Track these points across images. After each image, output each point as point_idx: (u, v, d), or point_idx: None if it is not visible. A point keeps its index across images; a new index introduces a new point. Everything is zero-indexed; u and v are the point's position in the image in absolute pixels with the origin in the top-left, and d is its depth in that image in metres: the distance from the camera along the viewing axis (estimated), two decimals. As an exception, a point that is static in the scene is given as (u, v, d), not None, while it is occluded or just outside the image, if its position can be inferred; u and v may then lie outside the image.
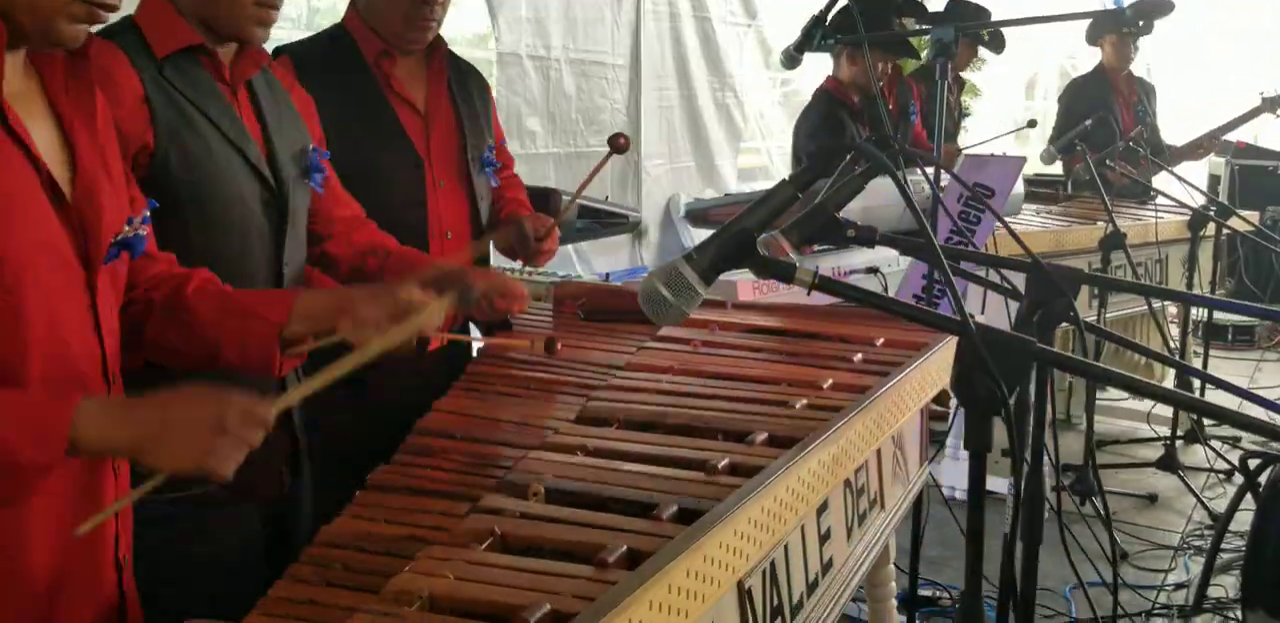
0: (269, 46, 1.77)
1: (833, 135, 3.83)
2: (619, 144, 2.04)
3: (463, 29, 5.06)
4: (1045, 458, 1.75)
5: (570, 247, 4.23)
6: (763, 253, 1.18)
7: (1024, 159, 2.91)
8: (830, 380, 1.83)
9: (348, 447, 1.78)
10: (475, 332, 2.40)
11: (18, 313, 1.10)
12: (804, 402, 1.72)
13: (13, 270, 1.09)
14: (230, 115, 1.63)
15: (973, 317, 1.12)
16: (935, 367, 1.97)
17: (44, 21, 1.10)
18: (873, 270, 3.13)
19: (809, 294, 1.19)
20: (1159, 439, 4.05)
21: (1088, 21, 4.97)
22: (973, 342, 1.07)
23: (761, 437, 1.55)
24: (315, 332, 1.40)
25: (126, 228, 1.24)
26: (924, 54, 4.64)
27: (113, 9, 1.15)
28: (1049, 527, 1.75)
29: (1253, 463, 2.65)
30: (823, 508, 1.62)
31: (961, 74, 5.54)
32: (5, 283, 1.08)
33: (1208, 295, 3.99)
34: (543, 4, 4.66)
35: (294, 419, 1.75)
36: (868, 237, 1.50)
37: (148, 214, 1.31)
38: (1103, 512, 2.28)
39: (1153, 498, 3.76)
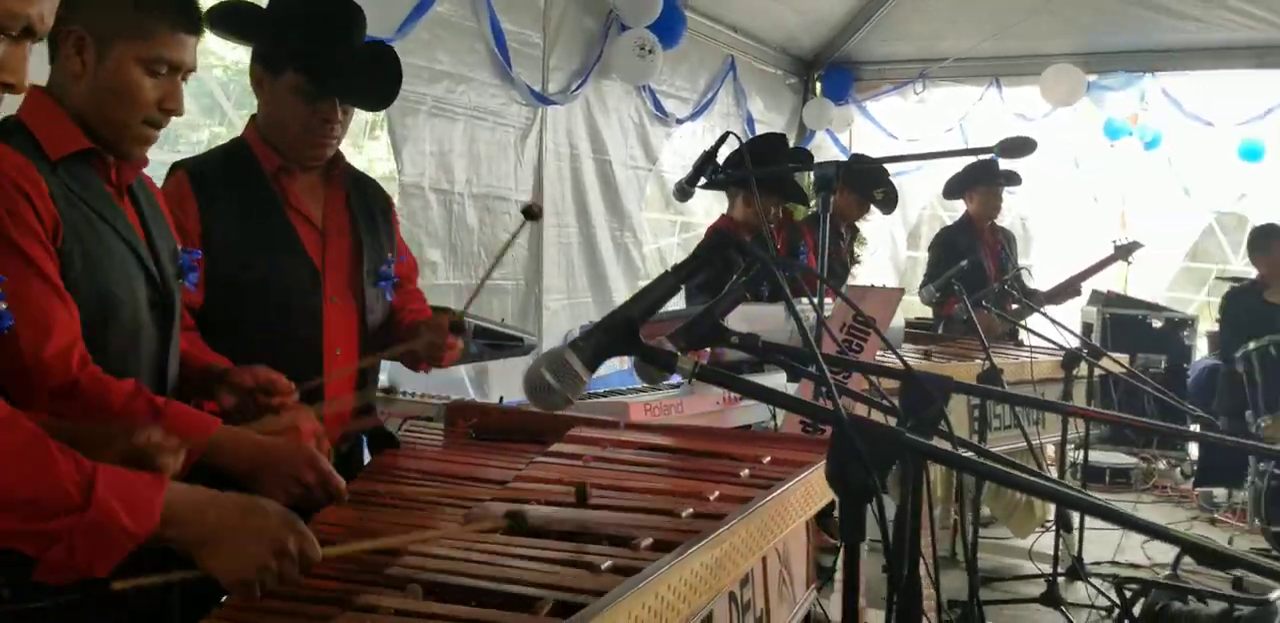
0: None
1: (716, 270, 3.95)
2: (532, 212, 2.07)
3: (364, 158, 5.18)
4: (930, 591, 1.77)
5: (464, 369, 4.22)
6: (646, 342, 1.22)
7: (902, 290, 3.06)
8: (717, 492, 1.85)
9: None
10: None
11: None
12: (690, 511, 1.73)
13: None
14: (122, 217, 1.65)
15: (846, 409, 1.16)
16: (818, 481, 2.00)
17: None
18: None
19: (690, 383, 1.23)
20: (1041, 576, 4.11)
21: (950, 177, 5.35)
22: (845, 430, 1.11)
23: (647, 542, 1.55)
24: None
25: None
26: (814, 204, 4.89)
27: None
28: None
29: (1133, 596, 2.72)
30: (708, 619, 1.61)
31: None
32: None
33: (1085, 407, 4.13)
34: (446, 139, 4.81)
35: None
36: (750, 344, 1.56)
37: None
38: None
39: (1037, 633, 3.79)
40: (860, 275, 7.35)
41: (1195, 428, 4.67)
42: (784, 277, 1.59)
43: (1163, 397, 3.63)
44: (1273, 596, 2.53)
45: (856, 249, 7.29)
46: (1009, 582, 4.33)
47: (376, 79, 2.15)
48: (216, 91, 4.52)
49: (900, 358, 1.51)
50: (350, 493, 1.96)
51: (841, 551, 1.18)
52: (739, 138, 3.29)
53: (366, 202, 2.29)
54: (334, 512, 1.80)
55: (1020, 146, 2.48)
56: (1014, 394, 1.89)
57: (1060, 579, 4.04)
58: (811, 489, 1.96)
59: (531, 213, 2.06)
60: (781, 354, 1.57)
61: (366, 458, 2.35)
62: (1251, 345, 4.78)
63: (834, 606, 3.49)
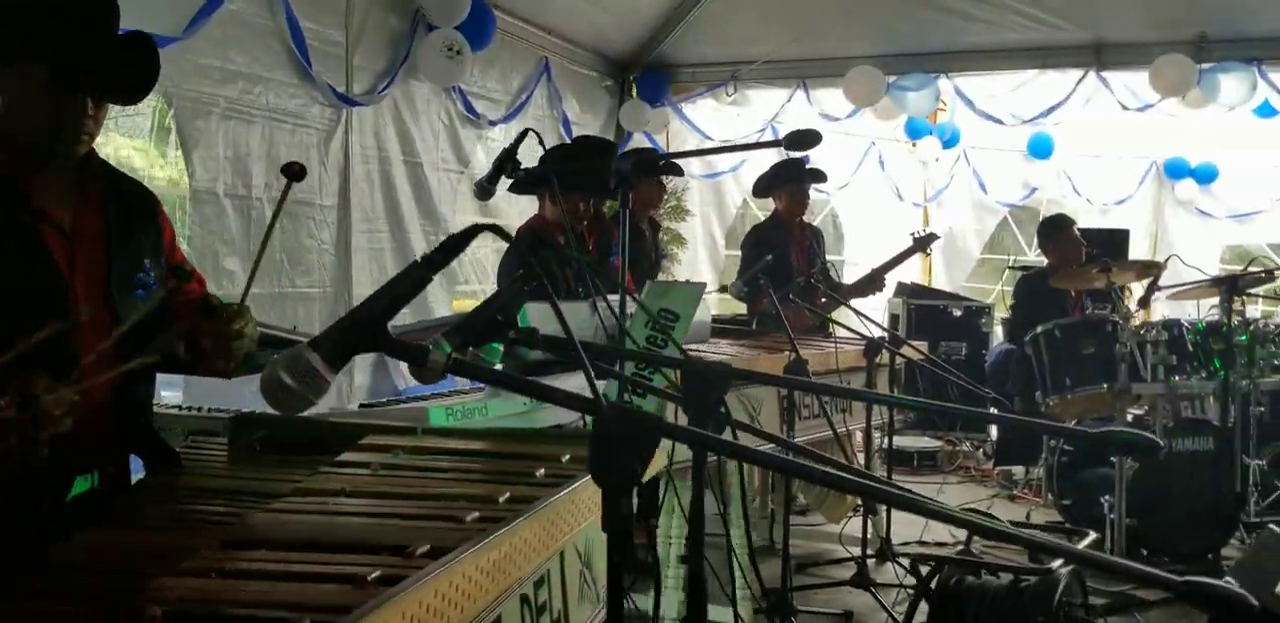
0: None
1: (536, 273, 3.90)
2: (292, 171, 1.90)
3: (155, 165, 4.89)
4: (744, 579, 1.77)
5: (255, 380, 4.02)
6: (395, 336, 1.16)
7: (704, 284, 3.08)
8: (508, 494, 1.80)
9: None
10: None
11: None
12: (476, 515, 1.68)
13: None
14: None
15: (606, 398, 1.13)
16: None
17: None
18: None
19: (445, 376, 1.17)
20: (851, 559, 4.23)
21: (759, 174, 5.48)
22: (604, 418, 1.08)
23: (423, 549, 1.48)
24: None
25: None
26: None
27: None
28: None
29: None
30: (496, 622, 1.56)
31: (663, 221, 5.88)
32: None
33: (887, 394, 4.28)
34: (243, 142, 4.59)
35: None
36: (529, 339, 1.51)
37: None
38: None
39: (848, 615, 3.89)
40: (681, 274, 7.45)
41: (993, 410, 4.90)
42: (569, 273, 1.55)
43: (958, 381, 3.79)
44: (1055, 564, 2.67)
45: (675, 249, 7.38)
46: (822, 566, 4.45)
47: (129, 70, 2.00)
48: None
49: (679, 346, 1.49)
50: (117, 514, 1.82)
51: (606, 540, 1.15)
52: (538, 135, 3.24)
53: (124, 204, 2.12)
54: (96, 534, 1.66)
55: (806, 139, 2.53)
56: (809, 381, 1.91)
57: (870, 561, 4.17)
58: (604, 486, 1.93)
59: (291, 172, 1.88)
60: (558, 345, 1.53)
61: (134, 477, 2.19)
62: (1039, 329, 5.05)
63: (646, 601, 3.49)
